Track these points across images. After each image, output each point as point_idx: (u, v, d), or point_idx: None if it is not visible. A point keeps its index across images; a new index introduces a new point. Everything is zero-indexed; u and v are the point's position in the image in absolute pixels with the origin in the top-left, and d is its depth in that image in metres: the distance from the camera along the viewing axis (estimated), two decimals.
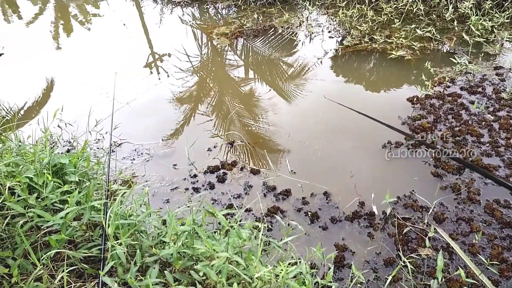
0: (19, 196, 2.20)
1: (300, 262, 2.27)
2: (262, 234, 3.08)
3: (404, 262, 2.63)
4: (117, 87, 5.34)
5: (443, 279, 2.70)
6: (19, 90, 5.47)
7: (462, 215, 3.22)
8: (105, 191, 2.47)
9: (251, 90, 5.34)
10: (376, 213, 3.28)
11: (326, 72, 5.58)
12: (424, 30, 6.08)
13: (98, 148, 4.10)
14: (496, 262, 2.81)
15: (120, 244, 2.02)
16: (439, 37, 6.03)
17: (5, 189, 2.14)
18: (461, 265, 2.83)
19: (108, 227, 2.06)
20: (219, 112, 4.83)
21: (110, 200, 2.44)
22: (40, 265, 1.95)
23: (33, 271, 1.95)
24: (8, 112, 4.91)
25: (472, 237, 3.03)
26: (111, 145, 3.18)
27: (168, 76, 5.77)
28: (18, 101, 5.13)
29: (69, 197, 2.19)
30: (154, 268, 1.93)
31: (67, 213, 2.08)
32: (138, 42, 7.04)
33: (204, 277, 1.92)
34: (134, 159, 4.01)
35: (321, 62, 5.80)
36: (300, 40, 6.61)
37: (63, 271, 1.91)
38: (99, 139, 4.23)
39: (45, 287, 1.92)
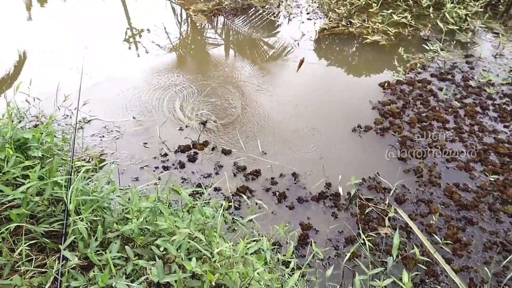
0: None
1: (261, 239, 2.34)
2: (230, 213, 3.15)
3: (363, 240, 2.75)
4: (91, 62, 5.21)
5: (400, 257, 2.85)
6: None
7: (422, 197, 3.37)
8: (70, 167, 2.45)
9: (232, 69, 5.30)
10: (341, 194, 3.38)
11: (303, 54, 5.58)
12: (400, 16, 6.14)
13: (66, 124, 4.02)
14: (450, 242, 2.97)
15: (82, 220, 2.03)
16: (414, 23, 6.12)
17: None
18: (418, 244, 2.98)
19: (70, 202, 2.06)
20: (193, 93, 4.79)
21: (74, 177, 2.42)
22: (0, 238, 1.94)
23: None
24: None
25: (430, 218, 3.18)
26: (77, 119, 3.13)
27: (147, 52, 5.65)
28: None
29: (30, 172, 2.17)
30: (115, 243, 1.95)
31: (28, 188, 2.06)
32: (115, 16, 6.81)
33: (165, 252, 1.96)
34: (103, 136, 3.96)
35: (298, 44, 5.80)
36: (280, 21, 6.57)
37: (22, 244, 1.91)
38: (67, 115, 4.14)
39: (5, 260, 1.91)
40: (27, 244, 1.97)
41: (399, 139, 3.94)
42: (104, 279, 1.73)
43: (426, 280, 2.75)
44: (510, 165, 3.68)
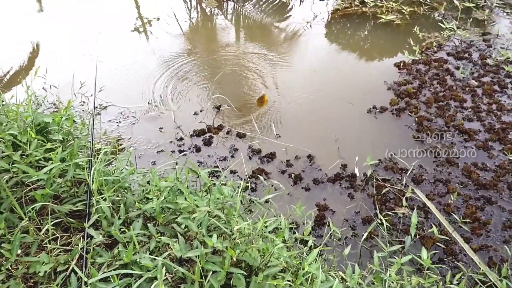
0: (3, 152, 2.22)
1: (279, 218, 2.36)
2: (247, 194, 3.18)
3: (380, 220, 2.75)
4: (104, 50, 5.24)
5: (417, 236, 2.84)
6: (4, 54, 5.32)
7: (440, 177, 3.33)
8: (90, 149, 2.50)
9: (242, 54, 5.28)
10: (357, 175, 3.37)
11: (316, 36, 5.52)
12: None
13: (83, 110, 4.07)
14: (469, 221, 2.95)
15: (105, 200, 2.08)
16: (429, 1, 5.96)
17: None
18: (436, 223, 2.97)
19: (93, 183, 2.10)
20: (206, 78, 4.79)
21: (94, 159, 2.47)
22: (26, 218, 2.00)
23: (19, 224, 2.00)
24: None
25: (448, 197, 3.16)
26: (94, 103, 3.17)
27: (156, 39, 5.66)
28: (4, 66, 5.00)
29: (53, 153, 2.22)
30: (138, 221, 1.99)
31: (51, 169, 2.11)
32: (126, 4, 6.81)
33: (186, 230, 2.00)
34: (120, 121, 4.01)
35: (310, 26, 5.72)
36: (290, 4, 6.48)
37: (48, 223, 1.97)
38: (84, 102, 4.20)
39: (32, 239, 1.98)
40: (52, 223, 2.03)
41: (416, 119, 3.89)
42: (128, 255, 1.77)
43: (445, 259, 2.74)
44: None
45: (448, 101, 4.11)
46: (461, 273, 2.50)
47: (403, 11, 5.73)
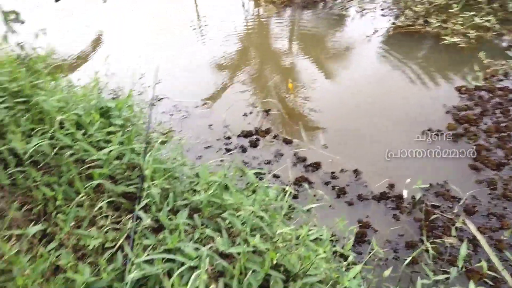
0: (67, 130, 2.37)
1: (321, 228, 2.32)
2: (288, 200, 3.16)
3: (426, 246, 2.62)
4: (162, 44, 5.47)
5: (464, 269, 2.68)
6: (70, 41, 5.71)
7: (494, 210, 3.14)
8: (146, 136, 2.61)
9: (292, 63, 5.29)
10: (405, 196, 3.25)
11: (374, 51, 5.42)
12: (483, 19, 5.70)
13: (140, 100, 4.26)
14: None
15: (156, 186, 2.16)
16: (498, 27, 5.66)
17: (56, 121, 2.32)
18: (484, 259, 2.79)
19: (147, 168, 2.19)
20: (258, 82, 4.85)
21: (149, 147, 2.57)
22: (83, 193, 2.12)
23: (75, 198, 2.12)
24: (62, 60, 5.16)
25: (501, 233, 2.96)
26: (154, 92, 3.31)
27: (211, 40, 5.82)
28: (70, 51, 5.37)
29: (112, 137, 2.34)
30: (184, 211, 2.05)
31: (111, 151, 2.23)
32: (185, 6, 7.06)
33: (230, 226, 2.02)
34: (172, 114, 4.15)
35: (369, 40, 5.63)
36: (350, 16, 6.42)
37: (102, 201, 2.07)
38: (141, 92, 4.39)
39: (86, 213, 2.09)
40: (105, 201, 2.13)
41: (474, 147, 3.69)
42: (173, 241, 1.82)
43: None
44: None
45: (510, 133, 3.86)
46: None
47: (469, 34, 5.48)
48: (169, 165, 2.34)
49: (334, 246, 2.59)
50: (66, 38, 5.73)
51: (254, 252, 1.95)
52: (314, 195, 3.22)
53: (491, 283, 2.61)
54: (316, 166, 3.57)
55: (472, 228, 2.94)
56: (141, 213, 1.98)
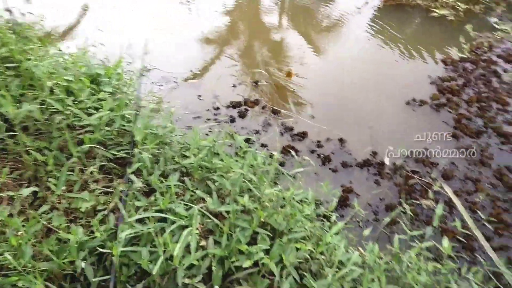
0: (58, 96, 2.40)
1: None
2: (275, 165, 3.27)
3: (404, 208, 2.78)
4: (150, 17, 5.39)
5: (439, 228, 2.86)
6: (59, 10, 5.56)
7: (471, 175, 3.30)
8: (136, 103, 2.65)
9: (282, 38, 5.29)
10: (387, 163, 3.39)
11: (364, 24, 5.44)
12: None
13: (129, 70, 4.24)
14: (494, 219, 2.93)
15: (147, 151, 2.23)
16: (487, 0, 5.71)
17: (46, 87, 2.34)
18: (459, 220, 2.96)
19: (137, 135, 2.25)
20: (247, 54, 4.86)
21: (139, 113, 2.62)
22: (75, 157, 2.17)
23: (66, 163, 2.17)
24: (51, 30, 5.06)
25: (476, 196, 3.14)
26: (143, 60, 3.31)
27: (200, 12, 5.75)
28: (59, 20, 5.25)
29: (104, 103, 2.38)
30: (175, 174, 2.13)
31: (101, 116, 2.27)
32: None
33: (219, 188, 2.12)
34: (162, 85, 4.17)
35: (360, 12, 5.63)
36: None
37: (93, 165, 2.13)
38: (130, 62, 4.36)
39: (77, 177, 2.15)
40: (95, 166, 2.19)
41: (455, 116, 3.82)
42: (165, 202, 1.91)
43: (463, 255, 2.76)
44: None
45: (491, 103, 4.00)
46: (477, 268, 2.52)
47: (458, 7, 5.52)
48: (159, 131, 2.40)
49: (319, 208, 2.72)
50: (54, 7, 5.59)
51: (242, 211, 2.06)
52: (300, 162, 3.33)
53: (464, 240, 2.79)
54: (303, 135, 3.67)
55: (449, 191, 3.10)
56: (133, 177, 2.05)
